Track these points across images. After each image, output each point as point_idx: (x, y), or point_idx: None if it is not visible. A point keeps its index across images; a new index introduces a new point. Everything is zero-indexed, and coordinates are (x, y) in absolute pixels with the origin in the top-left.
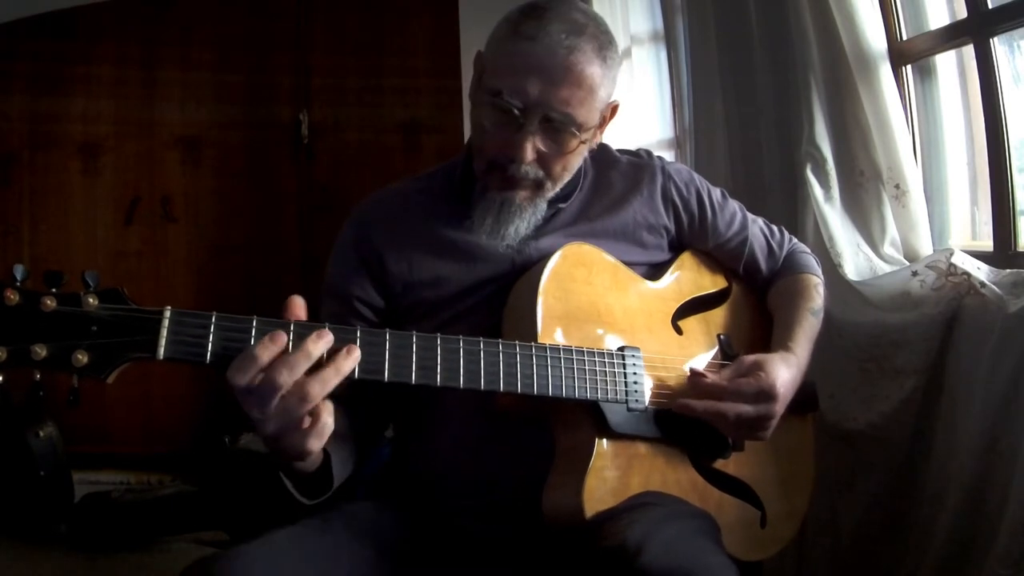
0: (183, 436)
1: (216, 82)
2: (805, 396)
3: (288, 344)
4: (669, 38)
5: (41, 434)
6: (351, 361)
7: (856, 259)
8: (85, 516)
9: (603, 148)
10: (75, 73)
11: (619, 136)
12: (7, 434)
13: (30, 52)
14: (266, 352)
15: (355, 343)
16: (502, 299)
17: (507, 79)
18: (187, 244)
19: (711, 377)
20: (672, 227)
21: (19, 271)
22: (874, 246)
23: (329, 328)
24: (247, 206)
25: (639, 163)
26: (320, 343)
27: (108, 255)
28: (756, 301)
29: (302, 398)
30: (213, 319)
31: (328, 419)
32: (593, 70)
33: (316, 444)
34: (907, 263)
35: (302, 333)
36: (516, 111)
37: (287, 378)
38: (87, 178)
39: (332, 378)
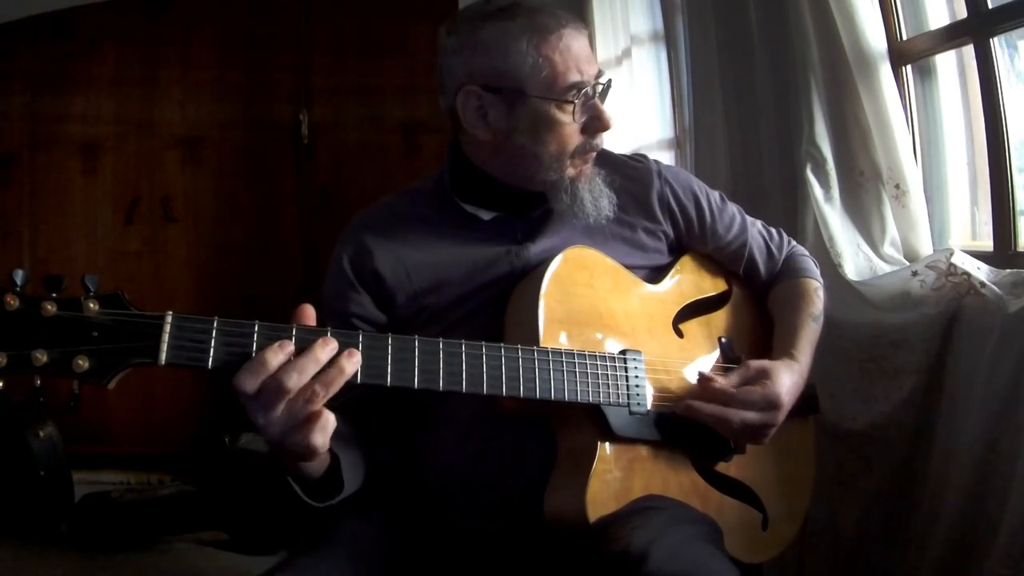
0: (183, 436)
1: (216, 82)
2: (806, 399)
3: (294, 351)
4: (669, 38)
5: (41, 434)
6: (353, 363)
7: (856, 259)
8: (85, 516)
9: (601, 152)
10: (75, 73)
11: (619, 136)
12: (7, 434)
13: (30, 52)
14: (275, 358)
15: (357, 347)
16: (503, 303)
17: (571, 68)
18: (187, 244)
19: (719, 382)
20: (670, 231)
21: (19, 276)
22: (874, 246)
23: (332, 333)
24: (247, 206)
25: (636, 167)
26: (327, 348)
27: (108, 255)
28: (756, 304)
29: (308, 400)
30: (215, 324)
31: (330, 414)
32: None
33: (320, 439)
34: (907, 263)
35: (305, 338)
36: (590, 89)
37: (296, 382)
38: (87, 178)
39: (337, 378)
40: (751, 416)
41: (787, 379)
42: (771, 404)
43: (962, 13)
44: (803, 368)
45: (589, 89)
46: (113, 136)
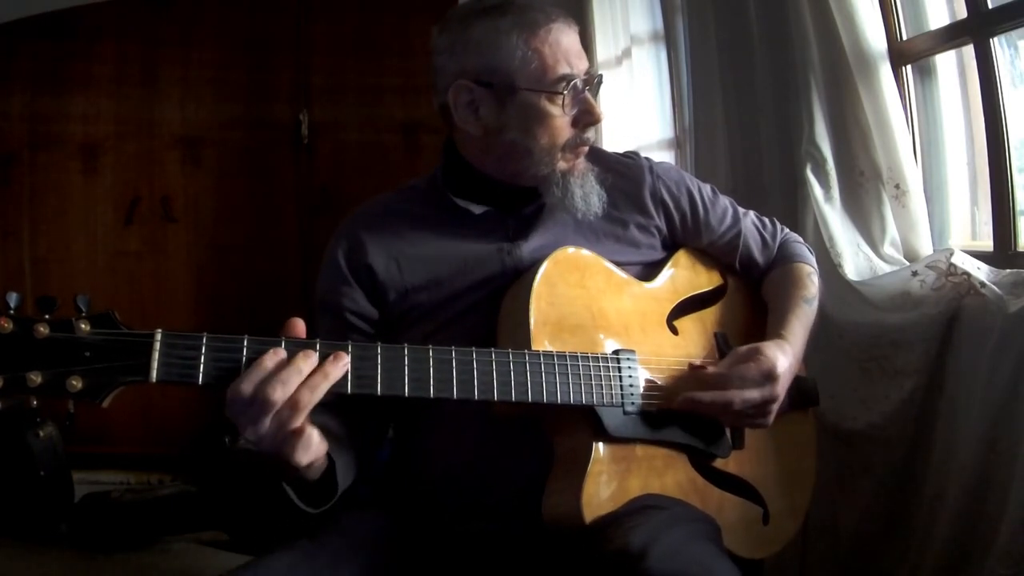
0: (183, 436)
1: (216, 82)
2: (805, 391)
3: (286, 358)
4: (669, 38)
5: (41, 434)
6: (340, 367)
7: (856, 259)
8: (85, 516)
9: (593, 150)
10: (75, 73)
11: (619, 136)
12: (7, 434)
13: (30, 52)
14: (271, 361)
15: (346, 354)
16: (496, 301)
17: (560, 61)
18: (187, 244)
19: (711, 368)
20: (663, 226)
21: (12, 298)
22: (874, 246)
23: (320, 344)
24: (247, 206)
25: (628, 164)
26: (309, 360)
27: (108, 255)
28: (752, 296)
29: (293, 407)
30: (204, 340)
31: (313, 432)
32: None
33: (304, 457)
34: (907, 263)
35: (294, 350)
36: (580, 82)
37: (281, 394)
38: (87, 178)
39: (321, 383)
40: (751, 394)
41: (779, 355)
42: (767, 376)
43: (962, 13)
44: (794, 348)
45: (579, 82)
46: (113, 136)
